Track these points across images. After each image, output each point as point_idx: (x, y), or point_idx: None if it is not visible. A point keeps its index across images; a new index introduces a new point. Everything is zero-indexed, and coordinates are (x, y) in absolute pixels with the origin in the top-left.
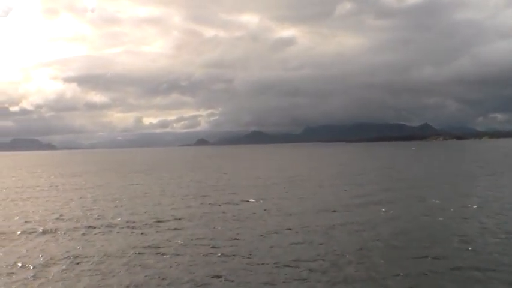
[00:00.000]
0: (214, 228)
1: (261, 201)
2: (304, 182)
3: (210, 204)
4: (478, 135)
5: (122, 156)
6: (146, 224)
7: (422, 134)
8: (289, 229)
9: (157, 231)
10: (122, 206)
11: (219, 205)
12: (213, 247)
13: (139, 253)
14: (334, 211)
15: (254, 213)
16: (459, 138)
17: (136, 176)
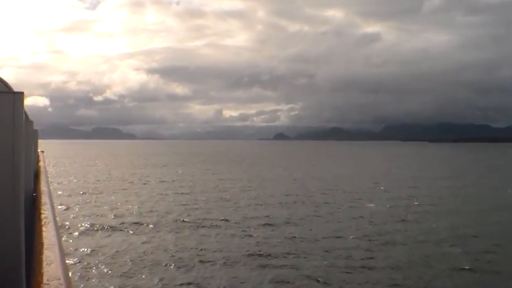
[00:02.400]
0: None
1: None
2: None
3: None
4: None
5: (209, 148)
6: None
7: (509, 136)
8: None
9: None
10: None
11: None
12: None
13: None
14: None
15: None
16: None
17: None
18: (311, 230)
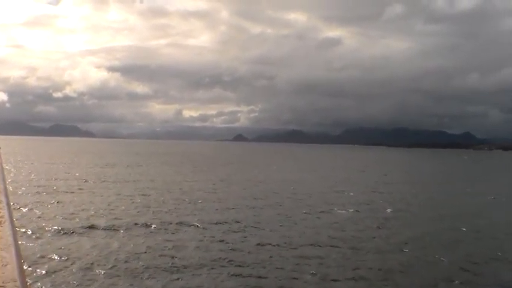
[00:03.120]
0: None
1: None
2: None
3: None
4: None
5: (170, 148)
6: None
7: (463, 142)
8: None
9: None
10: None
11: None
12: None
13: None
14: None
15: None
16: (505, 149)
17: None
18: (280, 235)
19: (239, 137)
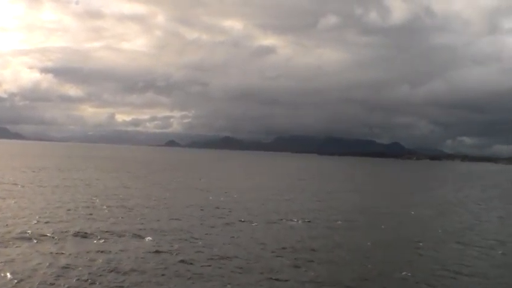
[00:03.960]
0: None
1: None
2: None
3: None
4: (449, 157)
5: (102, 152)
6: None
7: (392, 152)
8: None
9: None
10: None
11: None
12: None
13: None
14: None
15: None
16: (432, 158)
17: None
18: (229, 245)
19: (171, 142)
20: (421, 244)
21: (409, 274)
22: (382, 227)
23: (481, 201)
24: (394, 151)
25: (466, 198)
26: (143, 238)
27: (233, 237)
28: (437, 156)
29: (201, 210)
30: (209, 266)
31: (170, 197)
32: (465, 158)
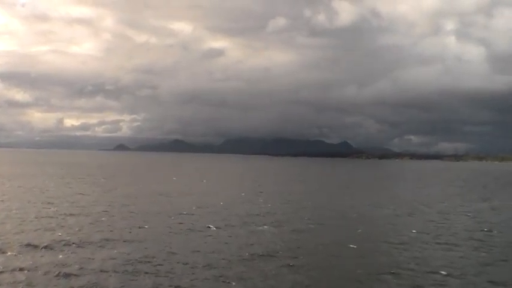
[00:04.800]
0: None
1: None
2: None
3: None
4: (398, 155)
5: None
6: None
7: (341, 151)
8: None
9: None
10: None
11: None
12: None
13: None
14: None
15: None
16: (381, 157)
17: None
18: (196, 252)
19: (121, 146)
20: (400, 245)
21: (394, 276)
22: (357, 228)
23: (444, 200)
24: (343, 151)
25: (428, 196)
26: (107, 248)
27: (202, 244)
28: (385, 154)
29: (166, 216)
30: (179, 275)
31: (130, 203)
32: (413, 156)
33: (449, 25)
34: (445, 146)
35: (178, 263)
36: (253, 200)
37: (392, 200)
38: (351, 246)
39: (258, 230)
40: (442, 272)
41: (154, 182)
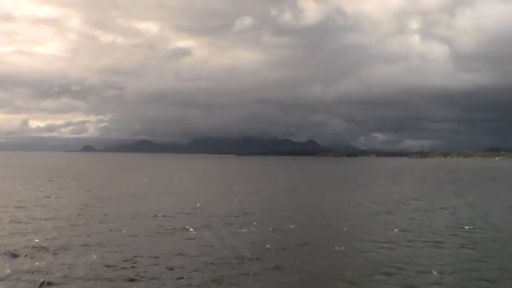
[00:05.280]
0: None
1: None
2: None
3: None
4: (364, 153)
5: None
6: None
7: (309, 149)
8: None
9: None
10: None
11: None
12: None
13: None
14: None
15: None
16: (348, 155)
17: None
18: (177, 256)
19: (88, 147)
20: (386, 244)
21: (386, 276)
22: (340, 227)
23: (419, 197)
24: (310, 149)
25: (402, 193)
26: (88, 253)
27: (185, 247)
28: (353, 152)
29: (142, 218)
30: (167, 280)
31: (104, 206)
32: (379, 153)
33: (414, 24)
34: (410, 143)
35: (163, 267)
36: (229, 200)
37: (368, 198)
38: (337, 245)
39: (239, 231)
40: (434, 271)
41: (125, 183)
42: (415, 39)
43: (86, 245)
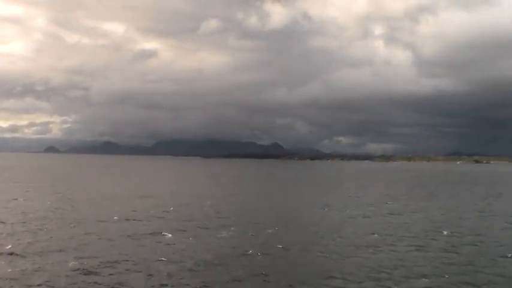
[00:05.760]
0: None
1: None
2: None
3: None
4: (329, 156)
5: None
6: None
7: (273, 152)
8: None
9: None
10: None
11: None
12: None
13: None
14: None
15: None
16: (312, 158)
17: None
18: (155, 262)
19: (51, 148)
20: (368, 249)
21: (376, 282)
22: (317, 231)
23: (391, 200)
24: (274, 152)
25: (374, 197)
26: (61, 259)
27: (160, 251)
28: (317, 155)
29: (114, 222)
30: (145, 286)
31: (73, 209)
32: (343, 157)
33: (378, 29)
34: (373, 147)
35: (139, 272)
36: (201, 203)
37: (341, 201)
38: (319, 250)
39: (218, 235)
40: (422, 276)
41: (94, 186)
42: (380, 44)
43: (62, 250)
